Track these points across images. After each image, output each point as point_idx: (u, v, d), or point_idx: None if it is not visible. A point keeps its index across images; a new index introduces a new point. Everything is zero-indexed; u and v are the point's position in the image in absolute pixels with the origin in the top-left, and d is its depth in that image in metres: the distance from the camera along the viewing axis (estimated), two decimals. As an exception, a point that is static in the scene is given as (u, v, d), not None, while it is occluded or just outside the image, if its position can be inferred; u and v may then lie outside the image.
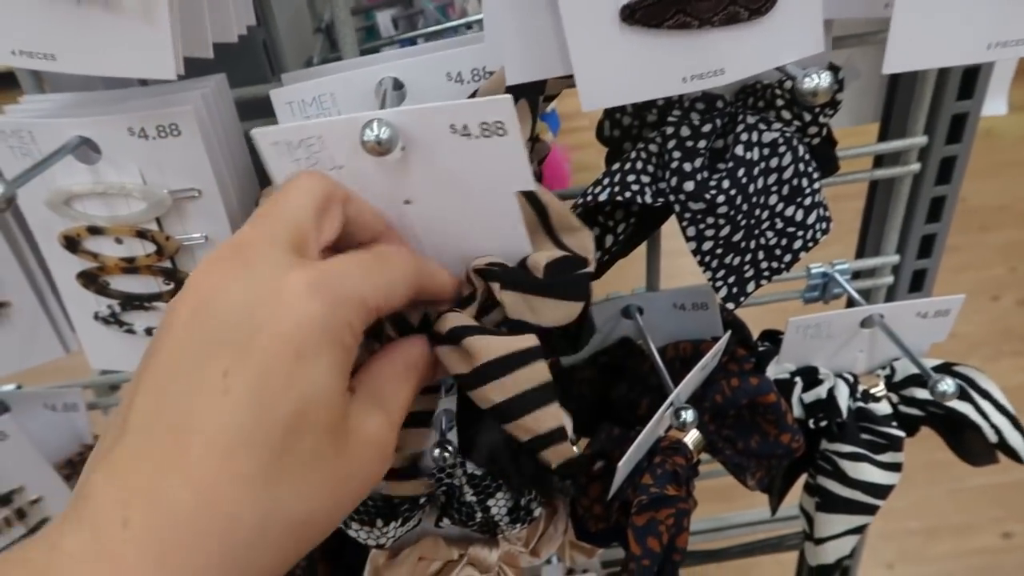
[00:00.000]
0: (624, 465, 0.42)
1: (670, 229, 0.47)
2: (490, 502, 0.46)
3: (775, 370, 0.54)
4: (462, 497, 0.43)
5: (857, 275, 0.60)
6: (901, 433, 0.51)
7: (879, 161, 0.55)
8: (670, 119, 0.41)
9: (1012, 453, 0.53)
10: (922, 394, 0.53)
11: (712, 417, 0.49)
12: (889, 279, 0.58)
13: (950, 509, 1.66)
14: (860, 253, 0.61)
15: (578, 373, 0.54)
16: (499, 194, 0.33)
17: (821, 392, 0.52)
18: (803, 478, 0.58)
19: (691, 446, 0.48)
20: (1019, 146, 2.51)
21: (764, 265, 0.45)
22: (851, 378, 0.54)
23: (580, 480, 0.46)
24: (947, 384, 0.45)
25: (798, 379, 0.53)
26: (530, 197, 0.34)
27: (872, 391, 0.53)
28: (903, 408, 0.54)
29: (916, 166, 0.52)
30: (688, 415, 0.44)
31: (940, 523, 1.65)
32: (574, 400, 0.51)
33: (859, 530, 0.52)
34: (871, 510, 0.51)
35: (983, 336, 1.98)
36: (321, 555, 0.45)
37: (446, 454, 0.43)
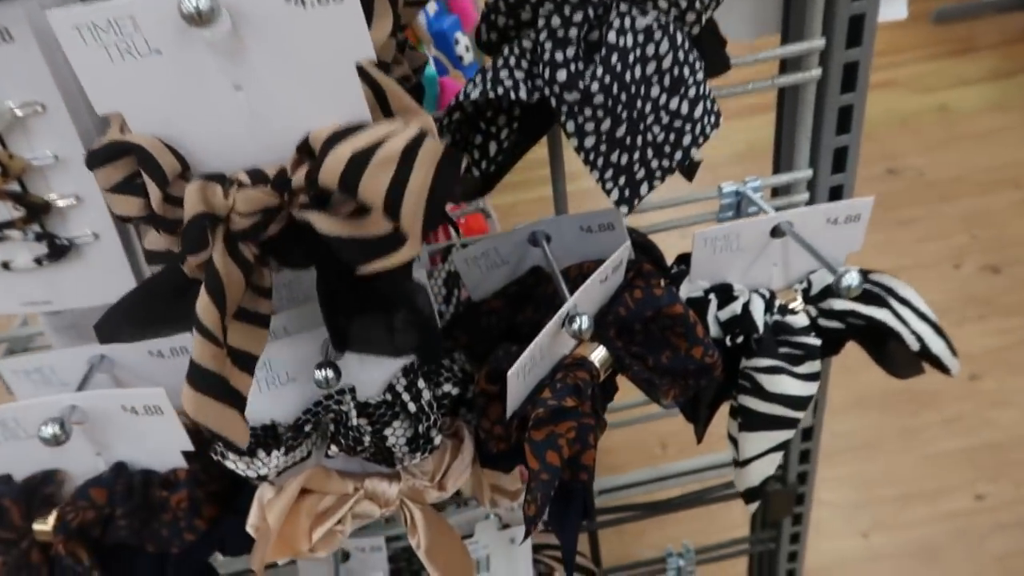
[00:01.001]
0: (515, 374, 0.40)
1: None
2: (387, 431, 0.43)
3: (688, 288, 0.52)
4: (348, 421, 0.41)
5: (775, 193, 0.58)
6: (817, 341, 0.49)
7: (784, 70, 0.54)
8: (542, 12, 0.40)
9: (935, 361, 0.51)
10: (840, 304, 0.51)
11: (619, 332, 0.47)
12: (805, 195, 0.57)
13: (922, 474, 1.65)
14: (776, 170, 0.60)
15: (485, 305, 0.52)
16: (339, 68, 0.31)
17: (736, 308, 0.51)
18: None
19: (596, 363, 0.46)
20: (973, 119, 2.53)
21: (654, 164, 0.43)
22: (767, 293, 0.52)
23: (479, 402, 0.44)
24: (852, 277, 0.43)
25: (712, 296, 0.51)
26: (367, 79, 0.32)
27: (789, 305, 0.52)
28: (823, 322, 0.52)
29: (817, 71, 0.51)
30: (583, 321, 0.42)
31: (913, 489, 1.64)
32: (480, 332, 0.49)
33: (781, 447, 0.51)
34: (791, 424, 0.50)
35: (947, 303, 1.98)
36: (206, 497, 0.42)
37: (329, 373, 0.40)
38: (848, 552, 1.55)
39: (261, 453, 0.40)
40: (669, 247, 0.54)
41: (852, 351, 0.78)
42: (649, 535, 1.58)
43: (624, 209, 0.43)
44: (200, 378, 0.34)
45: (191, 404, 0.34)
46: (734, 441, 0.55)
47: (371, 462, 0.44)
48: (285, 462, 0.40)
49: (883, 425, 1.75)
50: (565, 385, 0.43)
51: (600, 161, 0.42)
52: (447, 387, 0.46)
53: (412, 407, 0.43)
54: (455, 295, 0.54)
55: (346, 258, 0.32)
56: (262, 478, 0.40)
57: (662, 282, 0.47)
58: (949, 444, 1.71)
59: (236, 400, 0.36)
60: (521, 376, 0.41)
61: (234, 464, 0.39)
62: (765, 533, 0.81)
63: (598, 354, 0.46)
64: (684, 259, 0.54)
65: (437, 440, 0.44)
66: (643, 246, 0.52)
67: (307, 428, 0.41)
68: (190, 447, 0.42)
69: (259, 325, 0.37)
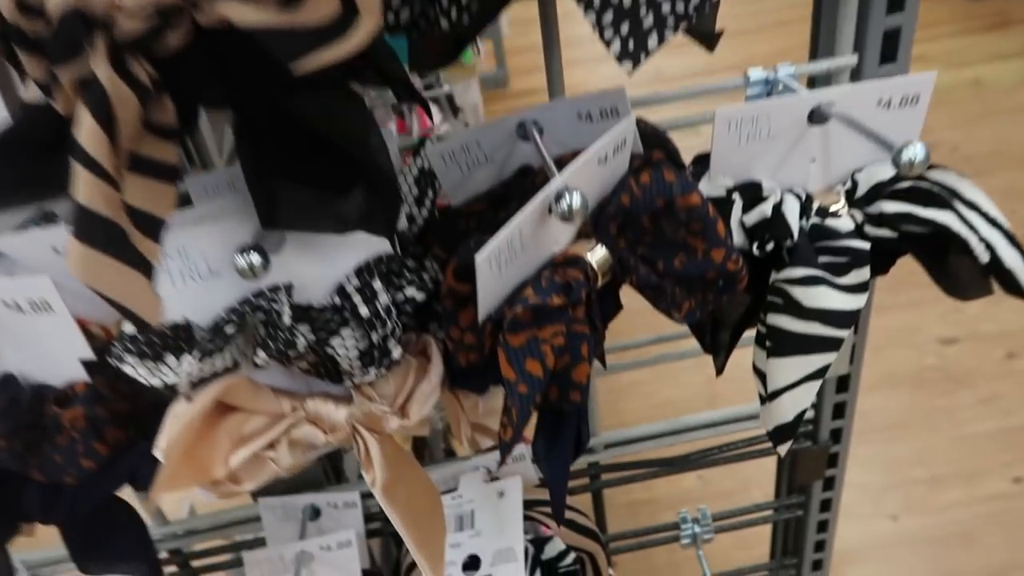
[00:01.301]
0: (486, 261, 0.32)
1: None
2: (333, 341, 0.35)
3: (708, 187, 0.43)
4: (280, 321, 0.33)
5: (812, 84, 0.49)
6: (865, 245, 0.40)
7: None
8: None
9: (1007, 278, 0.42)
10: (893, 207, 0.42)
11: (622, 229, 0.38)
12: (848, 88, 0.48)
13: (956, 456, 1.56)
14: (813, 55, 0.50)
15: (467, 207, 0.44)
16: None
17: (765, 210, 0.42)
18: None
19: (593, 263, 0.37)
20: (1008, 94, 2.43)
21: (666, 8, 0.34)
22: (803, 194, 0.43)
23: (447, 305, 0.35)
24: (916, 149, 0.34)
25: (736, 196, 0.43)
26: None
27: (830, 208, 0.43)
28: (871, 230, 0.43)
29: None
30: (574, 199, 0.33)
31: (946, 471, 1.54)
32: (458, 240, 0.41)
33: (819, 374, 0.42)
34: (832, 345, 0.41)
35: (983, 279, 1.87)
36: (110, 417, 0.35)
37: (253, 259, 0.32)
38: (876, 535, 1.45)
39: (169, 358, 0.32)
40: (685, 151, 0.45)
41: (877, 329, 0.68)
42: (660, 499, 1.50)
43: (628, 67, 0.35)
44: (89, 227, 0.26)
45: (79, 264, 0.26)
46: (761, 375, 0.46)
47: (314, 377, 0.36)
48: (201, 371, 0.32)
49: (914, 405, 1.65)
50: (552, 283, 0.35)
51: (598, 2, 0.33)
52: (410, 291, 0.38)
53: (364, 311, 0.35)
54: (428, 197, 0.46)
55: (281, 53, 0.24)
56: (170, 388, 0.32)
57: (676, 169, 0.39)
58: (985, 425, 1.61)
59: (139, 261, 0.28)
60: (494, 265, 0.33)
61: (134, 368, 0.31)
62: (792, 499, 0.72)
63: (596, 253, 0.37)
64: (703, 160, 0.45)
65: (396, 353, 0.36)
66: (654, 139, 0.43)
67: (229, 330, 0.32)
68: (90, 355, 0.34)
69: (163, 179, 0.29)
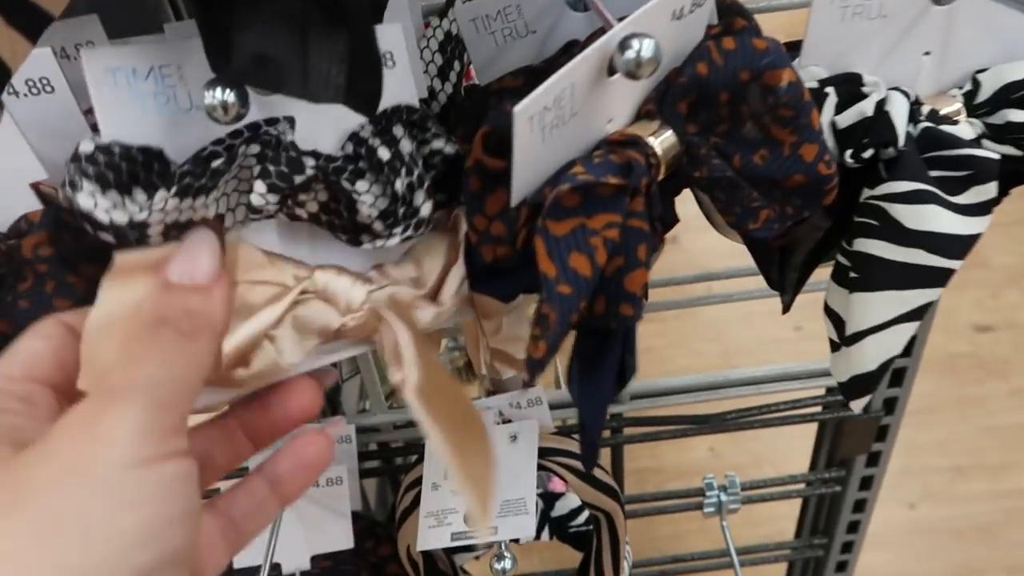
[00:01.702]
0: (525, 114, 0.24)
1: None
2: (359, 185, 0.28)
3: (796, 78, 0.35)
4: (283, 141, 0.26)
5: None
6: (993, 155, 0.33)
7: None
8: None
9: None
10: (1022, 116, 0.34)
11: (693, 109, 0.30)
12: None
13: (982, 447, 1.49)
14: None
15: (498, 84, 0.36)
16: None
17: (866, 108, 0.34)
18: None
19: (657, 148, 0.30)
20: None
21: None
22: (911, 94, 0.35)
23: (472, 185, 0.28)
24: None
25: (830, 90, 0.35)
26: None
27: (942, 111, 0.35)
28: (990, 147, 0.35)
29: None
30: (644, 47, 0.25)
31: (970, 461, 1.47)
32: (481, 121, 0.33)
33: (916, 315, 0.34)
34: (937, 278, 0.33)
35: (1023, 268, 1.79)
36: (84, 251, 0.27)
37: (226, 96, 0.25)
38: (890, 522, 1.39)
39: (138, 193, 0.25)
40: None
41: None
42: (667, 468, 1.44)
43: None
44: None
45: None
46: (834, 316, 0.39)
47: (324, 228, 0.29)
48: (179, 213, 0.25)
49: (941, 391, 1.58)
50: (607, 161, 0.27)
51: None
52: (438, 143, 0.30)
53: (384, 153, 0.28)
54: (454, 69, 0.38)
55: None
56: (137, 227, 0.25)
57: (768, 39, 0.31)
58: (1014, 417, 1.54)
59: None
60: (536, 127, 0.25)
61: (91, 199, 0.24)
62: (831, 472, 0.65)
63: (660, 136, 0.30)
64: (794, 46, 0.37)
65: (425, 210, 0.29)
66: (735, 9, 0.35)
67: (217, 164, 0.25)
68: (41, 174, 0.28)
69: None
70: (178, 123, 0.27)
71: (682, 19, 0.29)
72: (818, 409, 0.61)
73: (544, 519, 0.59)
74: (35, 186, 0.31)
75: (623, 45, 0.26)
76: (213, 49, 0.23)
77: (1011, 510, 1.41)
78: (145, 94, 0.26)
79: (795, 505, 0.83)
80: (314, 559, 0.54)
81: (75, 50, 0.35)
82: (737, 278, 0.64)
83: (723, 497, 0.61)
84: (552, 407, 0.56)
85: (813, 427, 0.71)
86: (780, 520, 1.16)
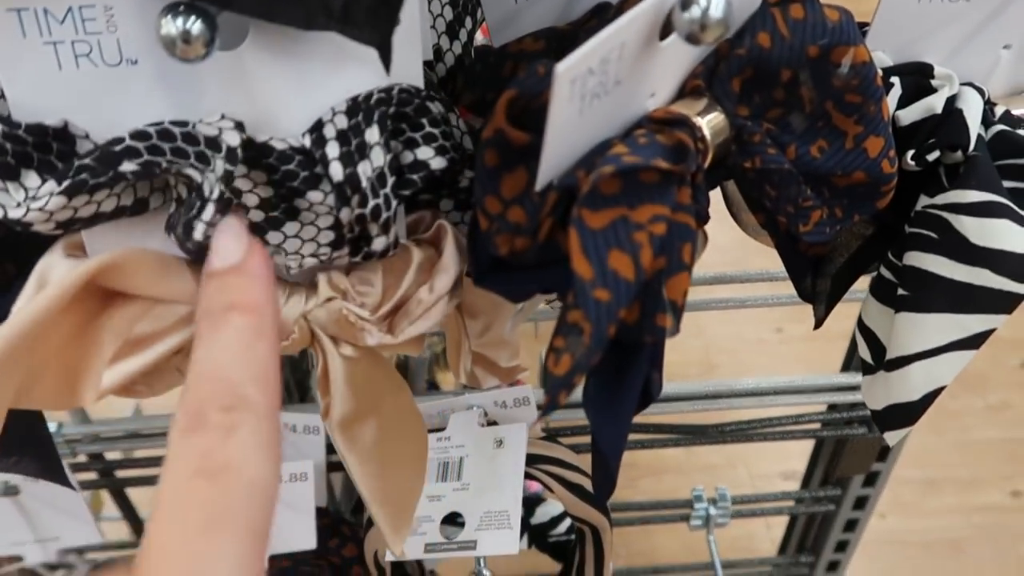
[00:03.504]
0: (568, 75, 0.20)
1: None
2: (297, 204, 0.23)
3: (857, 64, 0.31)
4: (215, 164, 0.21)
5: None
6: (1080, 167, 0.29)
7: None
8: None
9: None
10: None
11: (747, 87, 0.26)
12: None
13: (955, 461, 1.48)
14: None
15: (516, 46, 0.31)
16: None
17: (935, 104, 0.30)
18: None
19: (705, 130, 0.25)
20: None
21: None
22: (985, 91, 0.31)
23: (487, 160, 0.23)
24: None
25: (895, 80, 0.31)
26: None
27: (1021, 114, 0.31)
28: (1063, 157, 0.31)
29: None
30: (713, 4, 0.21)
31: (942, 475, 1.46)
32: (502, 84, 0.28)
33: (973, 343, 0.30)
34: (1003, 304, 0.29)
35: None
36: None
37: (190, 25, 0.20)
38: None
39: (28, 176, 0.20)
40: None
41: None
42: (640, 464, 1.41)
43: None
44: None
45: None
46: (870, 336, 0.35)
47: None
48: (68, 211, 0.20)
49: (916, 402, 1.57)
50: (654, 142, 0.23)
51: None
52: (425, 152, 0.26)
53: (337, 173, 0.23)
54: (466, 27, 0.33)
55: None
56: (16, 223, 0.20)
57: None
58: (989, 433, 1.53)
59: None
60: (577, 93, 0.21)
61: None
62: (826, 491, 0.62)
63: (709, 116, 0.25)
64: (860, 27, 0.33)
65: (379, 244, 0.24)
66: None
67: (127, 168, 0.20)
68: None
69: None
70: (103, 83, 0.22)
71: (746, -21, 0.25)
72: (818, 426, 0.57)
73: (523, 526, 0.55)
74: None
75: (685, 1, 0.21)
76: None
77: (980, 526, 1.41)
78: (61, 43, 0.21)
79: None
80: (272, 559, 0.50)
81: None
82: (725, 284, 0.59)
83: (712, 511, 0.58)
84: (540, 407, 0.51)
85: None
86: (751, 523, 1.14)
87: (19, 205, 0.19)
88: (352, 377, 0.27)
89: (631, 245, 0.21)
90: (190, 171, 0.22)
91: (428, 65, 0.33)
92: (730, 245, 0.56)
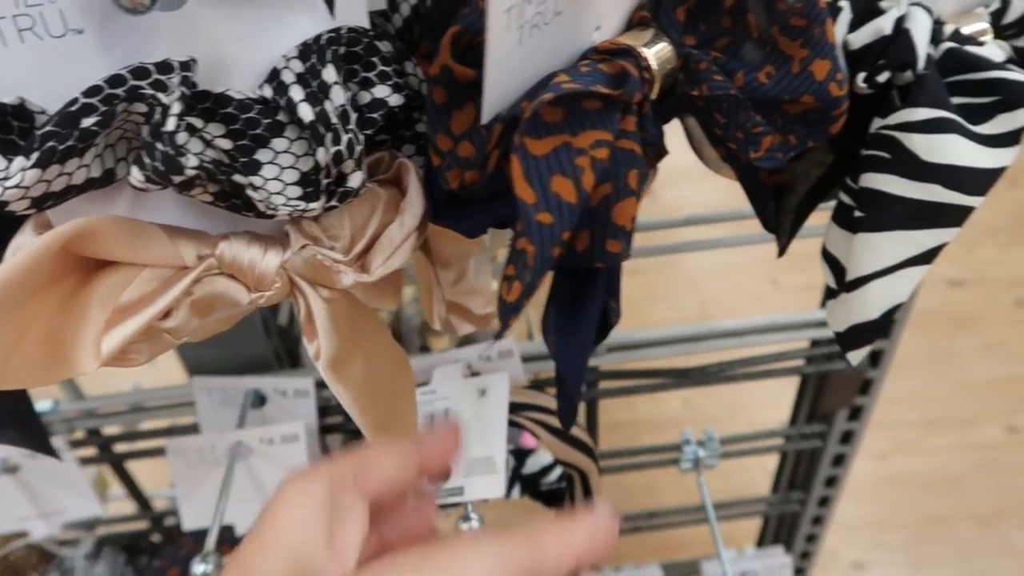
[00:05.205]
0: (503, 11, 0.20)
1: None
2: (259, 155, 0.24)
3: (805, -10, 0.31)
4: (164, 120, 0.21)
5: None
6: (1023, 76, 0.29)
7: None
8: None
9: None
10: (1054, 39, 0.31)
11: (692, 16, 0.26)
12: None
13: (951, 400, 1.49)
14: None
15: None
16: None
17: (883, 25, 0.30)
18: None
19: (652, 60, 0.26)
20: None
21: None
22: (932, 11, 0.31)
23: (436, 98, 0.24)
24: None
25: (844, 4, 0.31)
26: None
27: (968, 31, 0.31)
28: (1019, 71, 0.32)
29: None
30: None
31: (940, 414, 1.48)
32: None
33: (926, 258, 0.31)
34: (954, 217, 0.30)
35: (999, 223, 1.78)
36: None
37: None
38: (859, 473, 1.39)
39: None
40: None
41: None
42: (642, 421, 1.43)
43: None
44: None
45: None
46: (833, 261, 0.36)
47: (225, 208, 0.25)
48: (41, 185, 0.21)
49: (912, 345, 1.57)
50: (595, 70, 0.23)
51: None
52: (382, 90, 0.26)
53: (307, 114, 0.23)
54: (421, -25, 0.33)
55: None
56: None
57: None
58: (985, 371, 1.54)
59: None
60: (514, 26, 0.21)
61: None
62: (811, 427, 0.63)
63: (655, 46, 0.26)
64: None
65: (355, 180, 0.25)
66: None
67: (88, 122, 0.21)
68: None
69: None
70: (52, 55, 0.22)
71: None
72: (801, 362, 0.58)
73: (515, 476, 0.56)
74: None
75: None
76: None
77: (978, 462, 1.43)
78: (2, 19, 0.21)
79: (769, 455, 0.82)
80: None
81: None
82: (714, 223, 0.60)
83: (701, 453, 0.59)
84: (525, 359, 0.52)
85: (789, 378, 0.69)
86: (752, 470, 1.16)
87: (12, 184, 0.20)
88: (334, 317, 0.27)
89: (573, 169, 0.21)
90: (150, 105, 0.22)
91: (384, 16, 0.33)
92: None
